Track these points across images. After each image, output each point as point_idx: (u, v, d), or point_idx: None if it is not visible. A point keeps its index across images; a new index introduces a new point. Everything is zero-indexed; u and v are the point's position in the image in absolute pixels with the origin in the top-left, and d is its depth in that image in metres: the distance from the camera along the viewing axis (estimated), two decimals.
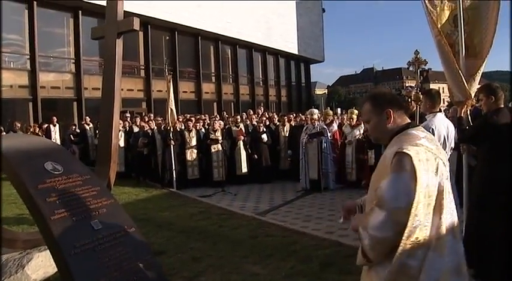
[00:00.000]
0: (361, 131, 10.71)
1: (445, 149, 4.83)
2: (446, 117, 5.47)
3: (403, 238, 2.05)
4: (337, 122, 13.14)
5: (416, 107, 5.91)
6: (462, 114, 5.04)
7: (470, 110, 5.24)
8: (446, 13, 5.35)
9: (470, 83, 4.95)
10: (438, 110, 5.17)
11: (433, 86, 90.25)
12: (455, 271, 2.18)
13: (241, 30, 31.40)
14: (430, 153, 2.16)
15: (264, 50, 35.75)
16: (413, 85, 6.20)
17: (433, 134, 4.72)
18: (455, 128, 5.13)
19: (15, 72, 20.28)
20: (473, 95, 4.98)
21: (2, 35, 16.76)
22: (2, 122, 15.12)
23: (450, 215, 2.19)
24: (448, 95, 5.69)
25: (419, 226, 2.06)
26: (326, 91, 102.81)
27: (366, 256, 2.19)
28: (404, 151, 2.13)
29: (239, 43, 32.66)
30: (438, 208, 2.13)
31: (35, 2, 20.12)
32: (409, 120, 2.40)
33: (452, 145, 5.15)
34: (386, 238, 2.09)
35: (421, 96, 5.65)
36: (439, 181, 2.14)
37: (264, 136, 12.03)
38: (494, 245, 4.18)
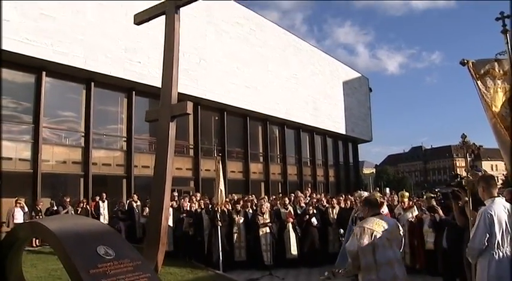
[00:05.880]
0: (414, 214, 10.35)
1: (507, 235, 4.48)
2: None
3: (361, 265, 4.49)
4: (387, 203, 12.79)
5: (468, 192, 5.48)
6: None
7: None
8: (500, 95, 5.28)
9: None
10: (496, 194, 4.87)
11: (485, 163, 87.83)
12: None
13: (289, 111, 31.93)
14: (368, 228, 4.57)
15: (312, 130, 36.03)
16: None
17: (492, 220, 4.43)
18: None
19: (69, 148, 21.03)
20: None
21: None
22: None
23: (384, 257, 4.47)
24: (502, 172, 5.47)
25: (367, 260, 4.45)
26: (374, 171, 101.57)
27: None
28: (355, 228, 4.86)
29: (287, 123, 33.06)
30: (373, 253, 4.46)
31: (92, 83, 21.15)
32: (377, 212, 4.85)
33: None
34: (348, 261, 4.64)
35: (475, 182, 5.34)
36: (373, 241, 4.49)
37: (314, 220, 11.83)
38: None
